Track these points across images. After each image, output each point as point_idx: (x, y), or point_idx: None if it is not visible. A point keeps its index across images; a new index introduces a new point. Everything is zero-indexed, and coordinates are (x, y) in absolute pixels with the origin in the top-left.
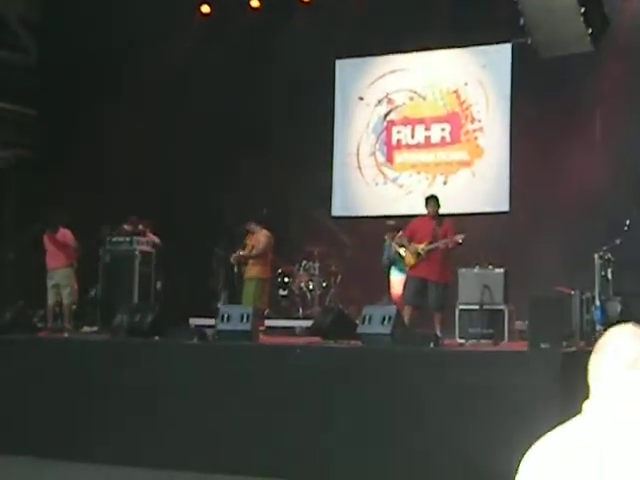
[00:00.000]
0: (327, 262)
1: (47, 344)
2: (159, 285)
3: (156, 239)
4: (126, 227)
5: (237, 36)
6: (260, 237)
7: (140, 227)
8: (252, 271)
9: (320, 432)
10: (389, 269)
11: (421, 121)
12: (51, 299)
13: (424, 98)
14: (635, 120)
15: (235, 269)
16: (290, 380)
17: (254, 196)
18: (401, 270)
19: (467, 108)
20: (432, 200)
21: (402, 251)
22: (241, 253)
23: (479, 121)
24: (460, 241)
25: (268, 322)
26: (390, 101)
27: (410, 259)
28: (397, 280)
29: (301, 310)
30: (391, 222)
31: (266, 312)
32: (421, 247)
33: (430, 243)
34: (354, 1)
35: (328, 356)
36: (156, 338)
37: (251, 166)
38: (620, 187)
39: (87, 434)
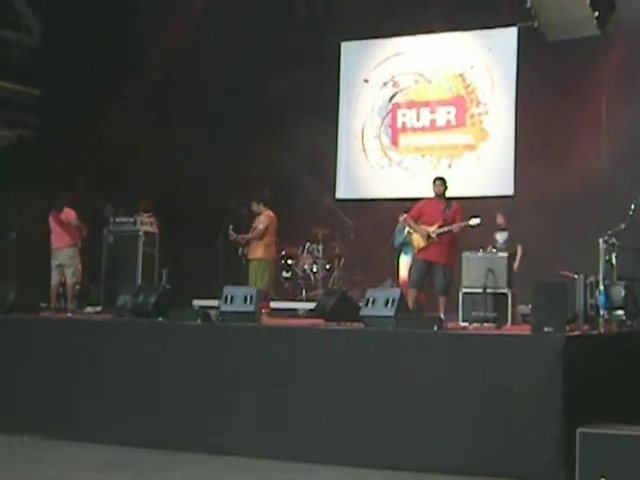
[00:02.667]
0: (331, 245)
1: (50, 324)
2: (164, 274)
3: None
4: (143, 214)
5: (241, 17)
6: (261, 218)
7: (150, 214)
8: (255, 252)
9: (323, 413)
10: (399, 252)
11: (426, 104)
12: (55, 279)
13: (429, 81)
14: None
15: (240, 251)
16: (293, 361)
17: (258, 178)
18: (408, 253)
19: (472, 91)
20: (439, 181)
21: (406, 233)
22: (242, 236)
23: (484, 104)
24: (472, 224)
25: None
26: (395, 84)
27: (420, 241)
28: (403, 263)
29: (304, 292)
30: (409, 205)
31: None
32: (432, 230)
33: (441, 226)
34: None
35: (331, 338)
36: (159, 319)
37: (255, 148)
38: (625, 171)
39: (91, 414)
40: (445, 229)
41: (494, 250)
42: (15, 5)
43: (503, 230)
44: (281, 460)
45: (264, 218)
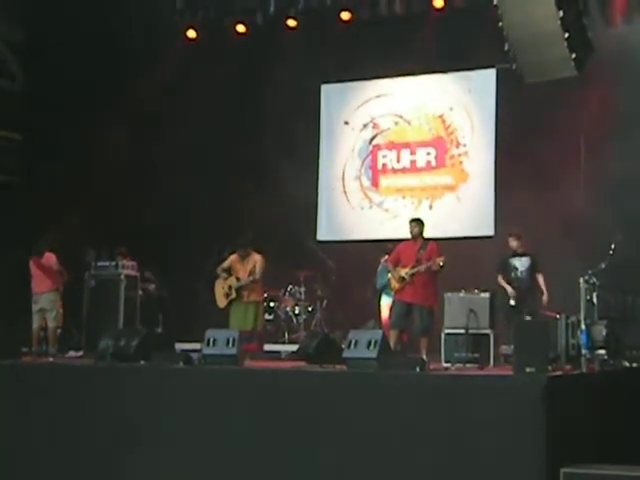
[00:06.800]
0: (313, 287)
1: (32, 369)
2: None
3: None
4: (120, 260)
5: (223, 61)
6: (257, 260)
7: (128, 259)
8: (252, 295)
9: (305, 456)
10: (380, 294)
11: (406, 145)
12: (36, 323)
13: (409, 123)
14: (619, 143)
15: (233, 294)
16: (275, 404)
17: (239, 220)
18: (389, 295)
19: (452, 133)
20: (414, 222)
21: (388, 276)
22: (245, 279)
23: (464, 146)
24: (441, 264)
25: None
26: (375, 125)
27: (395, 284)
28: (386, 305)
29: (287, 334)
30: (390, 246)
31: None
32: (405, 271)
33: (414, 267)
34: (339, 26)
35: (314, 380)
36: (141, 362)
37: (236, 190)
38: (605, 211)
39: (72, 459)
40: (414, 270)
41: (475, 291)
42: None
43: (520, 255)
44: None
45: (260, 261)
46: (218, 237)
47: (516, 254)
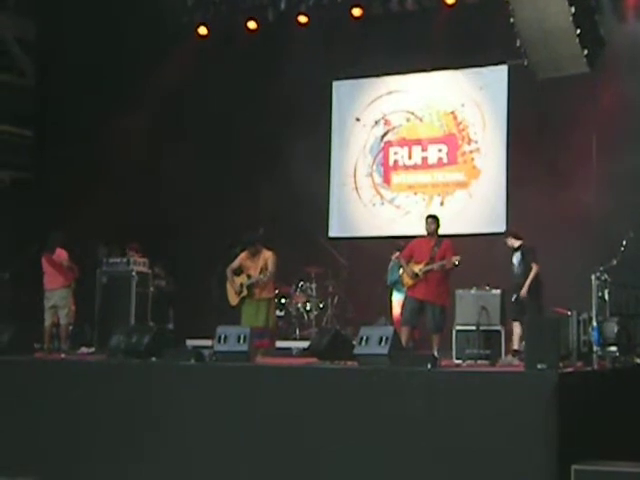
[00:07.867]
0: (324, 283)
1: (44, 365)
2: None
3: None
4: (130, 254)
5: (234, 58)
6: (268, 257)
7: (140, 254)
8: (264, 292)
9: (317, 454)
10: (392, 290)
11: (418, 142)
12: (48, 320)
13: (421, 119)
14: (631, 140)
15: (245, 291)
16: (286, 401)
17: (250, 216)
18: (400, 291)
19: (464, 129)
20: (430, 219)
21: (400, 272)
22: (256, 276)
23: (476, 142)
24: (456, 263)
25: None
26: (387, 122)
27: (407, 280)
28: (397, 301)
29: (298, 331)
30: (401, 243)
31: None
32: (418, 268)
33: (428, 264)
34: (351, 23)
35: (325, 377)
36: (153, 359)
37: (247, 186)
38: (617, 208)
39: (85, 455)
40: (428, 267)
41: (487, 287)
42: (8, 48)
43: (516, 250)
44: None
45: (272, 258)
46: (229, 233)
47: (515, 250)
